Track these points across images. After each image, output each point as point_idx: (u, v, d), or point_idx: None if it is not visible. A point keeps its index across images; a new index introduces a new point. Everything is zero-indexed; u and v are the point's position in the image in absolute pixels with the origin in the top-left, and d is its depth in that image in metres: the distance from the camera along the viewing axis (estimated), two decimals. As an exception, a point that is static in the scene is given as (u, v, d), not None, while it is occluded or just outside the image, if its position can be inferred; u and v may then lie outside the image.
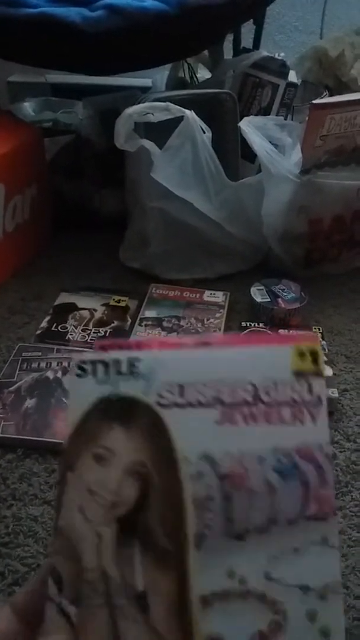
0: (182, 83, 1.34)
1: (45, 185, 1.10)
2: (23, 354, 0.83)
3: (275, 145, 0.97)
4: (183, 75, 1.35)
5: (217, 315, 0.93)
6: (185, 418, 0.33)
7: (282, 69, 1.07)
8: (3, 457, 0.70)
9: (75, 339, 0.88)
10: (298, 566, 0.31)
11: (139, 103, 0.94)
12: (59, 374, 0.80)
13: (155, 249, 1.01)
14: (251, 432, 0.32)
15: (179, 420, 0.33)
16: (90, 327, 0.91)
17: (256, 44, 1.28)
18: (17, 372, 0.80)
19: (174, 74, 1.35)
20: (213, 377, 0.34)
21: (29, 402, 0.75)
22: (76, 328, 0.90)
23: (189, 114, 0.91)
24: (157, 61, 1.15)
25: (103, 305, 0.96)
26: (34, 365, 0.82)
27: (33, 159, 1.06)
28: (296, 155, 0.98)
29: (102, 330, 0.91)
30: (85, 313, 0.94)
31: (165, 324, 0.91)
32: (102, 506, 0.33)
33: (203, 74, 1.36)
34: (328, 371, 0.80)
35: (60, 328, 0.90)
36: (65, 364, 0.81)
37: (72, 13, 0.91)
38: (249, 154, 1.00)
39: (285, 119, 1.05)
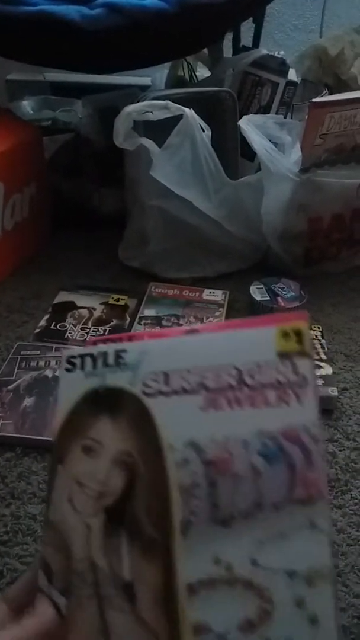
0: (181, 81, 1.33)
1: (44, 184, 1.10)
2: (22, 353, 0.83)
3: (275, 144, 0.97)
4: (182, 74, 1.34)
5: (217, 314, 0.93)
6: (170, 406, 0.33)
7: (281, 68, 1.06)
8: (2, 456, 0.70)
9: (74, 337, 0.88)
10: (285, 551, 0.30)
11: (138, 101, 0.94)
12: (58, 373, 0.80)
13: (155, 248, 1.01)
14: (236, 417, 0.32)
15: (164, 408, 0.33)
16: (89, 325, 0.91)
17: (256, 43, 1.28)
18: (15, 370, 0.80)
19: (173, 73, 1.35)
20: (197, 363, 0.33)
21: (28, 401, 0.75)
22: (75, 327, 0.90)
23: (189, 112, 0.90)
24: (156, 59, 1.14)
25: (102, 304, 0.96)
26: (33, 363, 0.81)
27: (32, 158, 1.06)
28: (296, 153, 0.98)
29: (101, 329, 0.91)
30: (84, 312, 0.94)
31: (164, 322, 0.91)
32: (90, 497, 0.33)
33: (202, 72, 1.35)
34: (328, 369, 0.80)
35: (59, 327, 0.90)
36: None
37: (71, 11, 0.90)
38: (249, 153, 1.00)
39: (285, 118, 1.05)
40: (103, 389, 0.34)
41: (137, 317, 0.92)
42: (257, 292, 0.94)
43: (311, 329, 0.89)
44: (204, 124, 0.92)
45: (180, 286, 0.99)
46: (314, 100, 0.95)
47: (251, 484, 0.31)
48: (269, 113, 1.05)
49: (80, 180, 1.17)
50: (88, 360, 0.36)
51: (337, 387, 0.78)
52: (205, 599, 0.30)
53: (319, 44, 1.46)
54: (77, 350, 0.37)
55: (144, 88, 1.31)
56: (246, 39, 1.30)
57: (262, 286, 0.95)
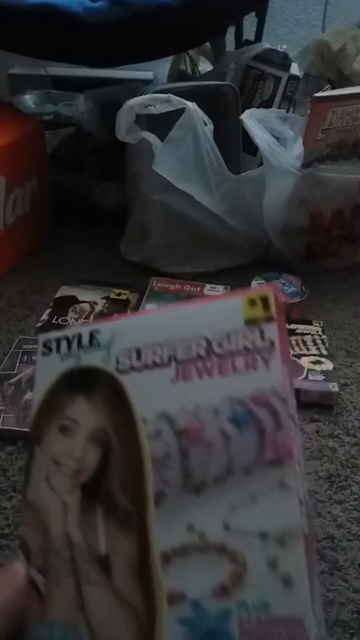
0: (183, 76, 1.33)
1: (46, 178, 1.09)
2: (23, 347, 0.83)
3: (277, 138, 0.97)
4: (184, 68, 1.34)
5: (218, 308, 0.93)
6: (142, 381, 0.34)
7: (284, 62, 1.06)
8: (3, 449, 0.70)
9: (75, 331, 0.88)
10: (256, 513, 0.30)
11: (140, 95, 0.93)
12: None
13: (156, 242, 1.01)
14: (206, 386, 0.33)
15: (136, 383, 0.34)
16: (91, 320, 0.91)
17: (258, 37, 1.27)
18: (17, 364, 0.80)
19: (175, 67, 1.34)
20: (168, 336, 0.34)
21: (30, 395, 0.75)
22: (77, 321, 0.90)
23: (191, 105, 0.90)
24: (158, 53, 1.14)
25: (104, 298, 0.96)
26: (35, 357, 0.81)
27: (34, 152, 1.06)
28: (298, 148, 0.98)
29: (102, 323, 0.91)
30: (86, 306, 0.94)
31: (165, 317, 0.91)
32: (67, 475, 0.33)
33: (204, 66, 1.35)
34: (328, 365, 0.80)
35: (61, 321, 0.90)
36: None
37: (74, 4, 0.90)
38: (250, 147, 1.00)
39: (287, 112, 1.04)
40: (78, 370, 0.35)
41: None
42: (258, 288, 0.94)
43: (312, 324, 0.89)
44: (206, 118, 0.92)
45: (182, 281, 0.99)
46: (316, 95, 0.95)
47: (222, 450, 0.32)
48: (271, 107, 1.05)
49: (81, 174, 1.17)
50: (63, 342, 0.37)
51: (338, 383, 0.79)
52: (179, 567, 0.30)
53: (321, 38, 1.46)
54: (52, 334, 0.38)
55: (146, 82, 1.31)
56: (249, 33, 1.30)
57: (263, 281, 0.95)
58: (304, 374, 0.78)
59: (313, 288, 0.96)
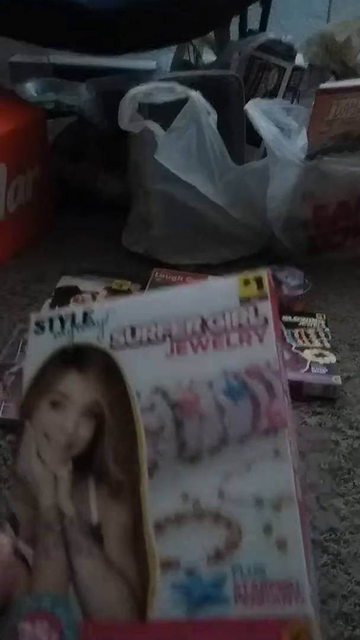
0: (186, 66, 1.32)
1: (48, 167, 1.08)
2: (24, 336, 0.83)
3: (281, 129, 0.96)
4: (188, 58, 1.33)
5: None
6: (136, 356, 0.35)
7: (289, 52, 1.05)
8: (4, 438, 0.69)
9: (76, 322, 0.87)
10: (251, 481, 0.31)
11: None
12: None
13: (158, 233, 1.00)
14: (200, 360, 0.34)
15: (130, 359, 0.35)
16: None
17: (263, 27, 1.26)
18: (18, 353, 0.80)
19: (178, 57, 1.33)
20: (163, 315, 0.35)
21: (30, 385, 0.75)
22: (78, 311, 0.89)
23: (194, 95, 0.89)
24: (161, 42, 1.13)
25: (105, 288, 0.95)
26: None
27: (36, 140, 1.05)
28: (302, 140, 0.97)
29: (103, 314, 0.90)
30: (87, 296, 0.93)
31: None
32: (58, 448, 0.34)
33: (208, 57, 1.34)
34: (331, 358, 0.80)
35: (62, 311, 0.89)
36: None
37: (77, -10, 0.89)
38: (254, 138, 0.99)
39: (292, 103, 1.03)
40: (71, 347, 0.36)
41: (140, 303, 0.91)
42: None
43: (315, 317, 0.88)
44: (209, 107, 0.91)
45: (184, 272, 0.98)
46: (321, 86, 0.94)
47: (217, 421, 0.32)
48: (275, 98, 1.04)
49: (83, 163, 1.16)
50: (57, 321, 0.38)
51: (341, 376, 0.78)
52: (173, 535, 0.31)
53: (325, 30, 1.44)
54: (45, 313, 0.39)
55: (149, 72, 1.30)
56: (253, 23, 1.29)
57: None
58: (307, 367, 0.78)
59: (316, 281, 0.95)
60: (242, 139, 1.01)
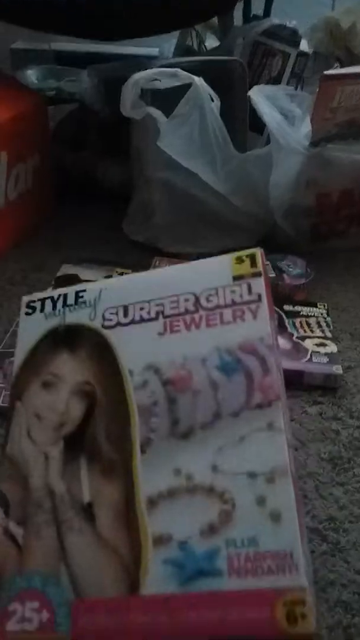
0: (189, 51, 1.31)
1: (48, 155, 1.08)
2: (24, 324, 0.82)
3: (285, 116, 0.95)
4: (191, 44, 1.31)
5: (221, 289, 0.92)
6: (129, 335, 0.35)
7: (293, 38, 1.04)
8: (3, 426, 0.69)
9: (77, 310, 0.87)
10: (245, 453, 0.31)
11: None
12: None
13: (160, 221, 0.99)
14: (193, 337, 0.34)
15: (122, 337, 0.35)
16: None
17: (267, 12, 1.24)
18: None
19: (181, 42, 1.31)
20: (156, 294, 0.36)
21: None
22: (78, 299, 0.89)
23: (198, 80, 0.88)
24: (164, 27, 1.11)
25: (106, 277, 0.94)
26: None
27: (36, 127, 1.04)
28: (306, 127, 0.96)
29: (104, 302, 0.90)
30: (88, 285, 0.93)
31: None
32: (49, 428, 0.34)
33: (211, 42, 1.32)
34: (332, 347, 0.79)
35: (62, 299, 0.89)
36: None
37: (78, -27, 0.88)
38: (257, 125, 0.98)
39: (296, 90, 1.02)
40: (62, 327, 0.37)
41: (141, 291, 0.91)
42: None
43: (317, 306, 0.87)
44: (213, 93, 0.90)
45: (185, 261, 0.98)
46: (325, 72, 0.92)
47: (210, 396, 0.33)
48: (279, 84, 1.03)
49: (84, 151, 1.15)
50: (48, 302, 0.39)
51: (342, 366, 0.78)
52: (165, 510, 0.31)
53: (330, 16, 1.42)
54: (36, 295, 0.39)
55: (151, 58, 1.29)
56: (257, 9, 1.27)
57: (267, 262, 0.93)
58: (308, 356, 0.77)
59: (318, 269, 0.94)
60: (245, 125, 1.00)
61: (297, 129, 0.96)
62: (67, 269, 0.96)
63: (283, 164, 0.94)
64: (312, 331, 0.82)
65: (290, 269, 0.93)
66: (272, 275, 0.91)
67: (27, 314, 0.38)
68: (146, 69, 0.93)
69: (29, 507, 0.33)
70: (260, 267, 0.35)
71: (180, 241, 1.00)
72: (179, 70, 0.88)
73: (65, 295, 0.37)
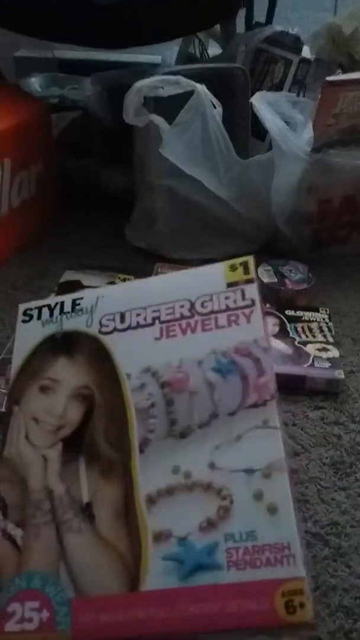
0: (192, 59, 1.31)
1: (52, 162, 1.08)
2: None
3: (287, 123, 0.95)
4: (193, 51, 1.32)
5: (224, 295, 0.92)
6: (126, 340, 0.36)
7: (295, 45, 1.05)
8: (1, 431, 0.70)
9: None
10: (241, 451, 0.32)
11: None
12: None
13: (162, 228, 1.00)
14: (189, 341, 0.35)
15: (119, 342, 0.36)
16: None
17: (269, 19, 1.25)
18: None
19: (184, 50, 1.32)
20: (152, 301, 0.37)
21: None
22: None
23: (200, 87, 0.89)
24: (167, 35, 1.12)
25: (108, 283, 0.95)
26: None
27: (40, 135, 1.05)
28: (308, 133, 0.97)
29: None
30: (91, 291, 0.93)
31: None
32: (47, 431, 0.35)
33: (214, 50, 1.33)
34: (334, 352, 0.80)
35: (65, 305, 0.90)
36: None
37: (81, -17, 0.89)
38: (259, 131, 0.98)
39: (298, 96, 1.03)
40: (60, 334, 0.37)
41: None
42: (265, 274, 0.93)
43: (319, 311, 0.88)
44: (215, 100, 0.91)
45: (186, 267, 0.98)
46: (327, 78, 0.93)
47: (207, 397, 0.34)
48: (281, 91, 1.03)
49: (88, 158, 1.16)
50: (45, 310, 0.39)
51: (344, 370, 0.78)
52: (164, 507, 0.32)
53: (333, 22, 1.43)
54: (33, 303, 0.40)
55: (154, 66, 1.30)
56: (259, 16, 1.28)
57: (269, 268, 0.94)
58: (310, 361, 0.77)
59: (320, 275, 0.95)
60: (247, 132, 1.01)
61: (299, 135, 0.97)
62: (70, 275, 0.96)
63: (285, 170, 0.95)
64: (314, 336, 0.82)
65: (292, 275, 0.93)
66: (274, 280, 0.92)
67: (24, 321, 0.39)
68: (149, 77, 0.94)
69: (28, 509, 0.33)
70: (252, 274, 0.37)
71: (182, 248, 1.01)
72: (181, 77, 0.89)
73: (62, 303, 0.38)
